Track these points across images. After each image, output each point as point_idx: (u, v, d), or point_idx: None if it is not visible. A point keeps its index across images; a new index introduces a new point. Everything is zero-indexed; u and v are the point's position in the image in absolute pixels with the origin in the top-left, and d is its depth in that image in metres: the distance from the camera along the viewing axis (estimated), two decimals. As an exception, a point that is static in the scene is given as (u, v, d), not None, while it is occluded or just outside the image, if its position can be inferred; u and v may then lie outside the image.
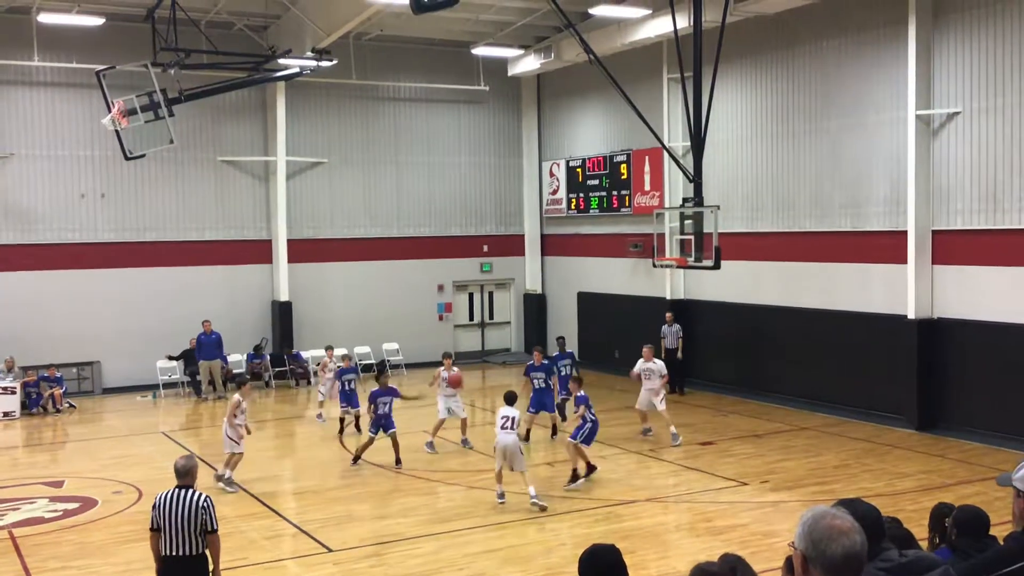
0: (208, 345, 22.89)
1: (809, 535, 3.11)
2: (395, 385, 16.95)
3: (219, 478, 14.46)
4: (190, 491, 7.94)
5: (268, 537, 12.32)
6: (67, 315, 22.99)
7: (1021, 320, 16.07)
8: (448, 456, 16.48)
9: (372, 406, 15.64)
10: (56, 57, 22.56)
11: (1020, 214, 16.19)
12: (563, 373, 18.46)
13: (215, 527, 7.90)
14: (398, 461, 15.57)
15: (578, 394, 14.74)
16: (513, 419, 13.52)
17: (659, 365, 17.52)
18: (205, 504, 7.86)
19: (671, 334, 21.74)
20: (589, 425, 14.40)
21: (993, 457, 15.37)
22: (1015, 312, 16.18)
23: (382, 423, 15.61)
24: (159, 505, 7.93)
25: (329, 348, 20.79)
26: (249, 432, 15.08)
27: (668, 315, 22.06)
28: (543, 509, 12.97)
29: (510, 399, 14.08)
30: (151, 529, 8.04)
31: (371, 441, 15.70)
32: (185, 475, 8.04)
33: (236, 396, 14.84)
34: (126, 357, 23.47)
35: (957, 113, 17.01)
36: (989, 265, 16.69)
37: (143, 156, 20.72)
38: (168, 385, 23.39)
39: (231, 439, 14.46)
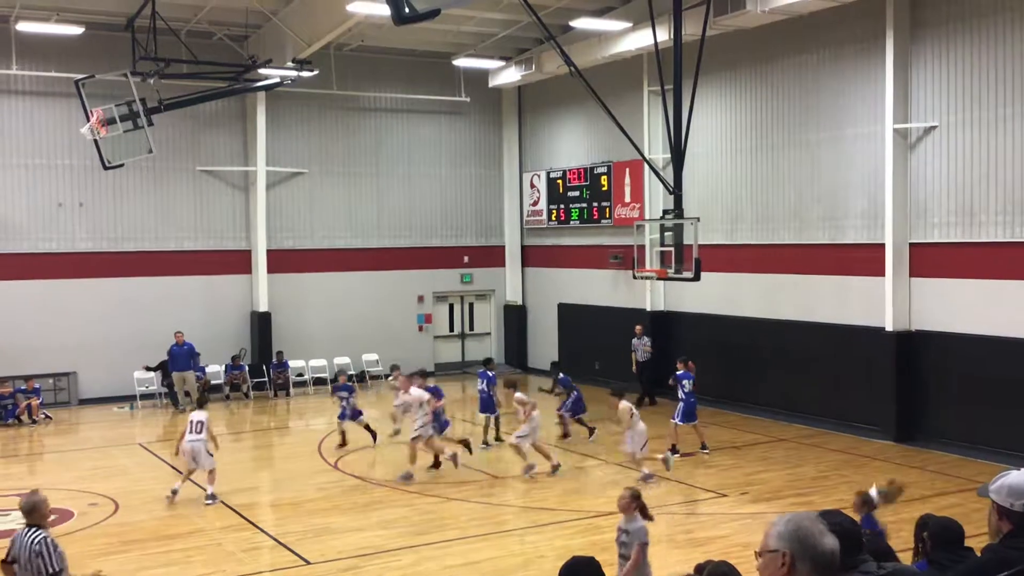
0: (180, 356, 22.70)
1: (795, 534, 3.19)
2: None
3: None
4: (33, 531, 7.26)
5: (246, 550, 12.23)
6: (43, 325, 22.78)
7: (997, 332, 16.20)
8: (425, 469, 16.42)
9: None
10: (35, 66, 22.41)
11: (996, 227, 16.34)
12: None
13: (54, 569, 7.13)
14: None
15: (677, 373, 17.06)
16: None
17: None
18: (38, 547, 7.12)
19: (641, 347, 21.82)
20: (682, 405, 16.67)
21: (970, 468, 15.46)
22: (991, 324, 16.31)
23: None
24: (16, 539, 7.36)
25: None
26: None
27: (637, 327, 22.15)
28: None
29: None
30: (3, 562, 7.39)
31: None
32: (28, 513, 7.39)
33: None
34: (103, 368, 23.27)
35: (934, 127, 17.16)
36: (966, 278, 16.83)
37: (122, 165, 20.60)
38: (145, 396, 23.21)
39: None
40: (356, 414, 17.90)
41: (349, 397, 17.88)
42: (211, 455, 14.45)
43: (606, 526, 12.87)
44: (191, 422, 14.48)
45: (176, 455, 14.85)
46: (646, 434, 15.07)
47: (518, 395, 16.08)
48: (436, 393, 16.21)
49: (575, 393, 18.40)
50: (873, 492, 8.37)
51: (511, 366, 27.48)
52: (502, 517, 13.51)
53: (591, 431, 18.24)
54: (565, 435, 18.33)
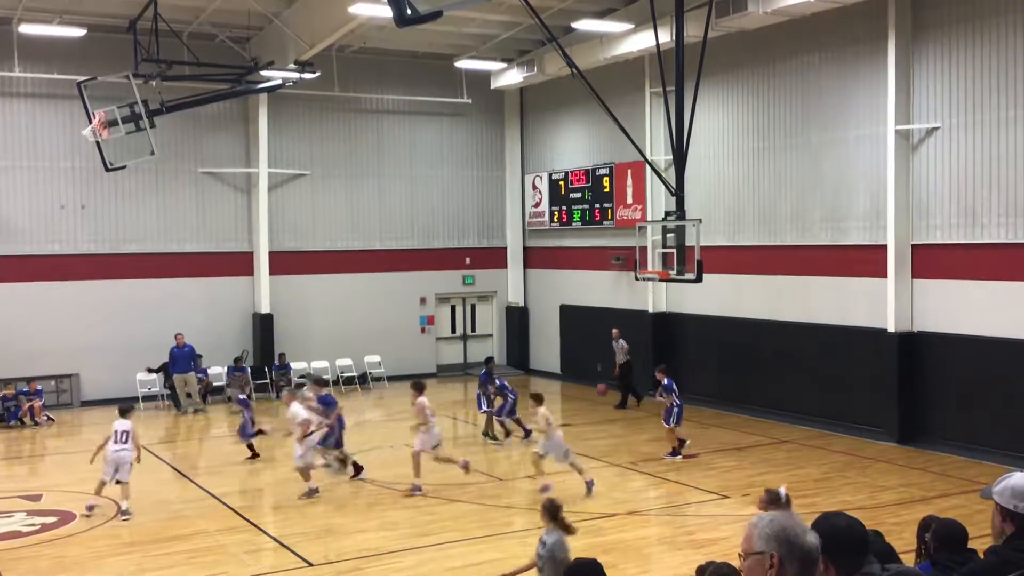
0: (181, 358, 22.73)
1: (780, 535, 3.16)
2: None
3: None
4: None
5: (248, 551, 12.23)
6: (45, 327, 22.79)
7: (1000, 334, 16.19)
8: (428, 471, 16.40)
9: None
10: (37, 68, 22.42)
11: (998, 229, 16.33)
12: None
13: None
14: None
15: (664, 381, 16.88)
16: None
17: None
18: None
19: (619, 350, 21.81)
20: (676, 409, 16.72)
21: (973, 470, 15.45)
22: (994, 326, 16.29)
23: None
24: None
25: None
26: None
27: (615, 331, 22.14)
28: None
29: None
30: None
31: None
32: None
33: None
34: (105, 369, 23.28)
35: (936, 128, 17.15)
36: (968, 279, 16.81)
37: (124, 167, 20.61)
38: (147, 398, 23.22)
39: None
40: (245, 431, 17.42)
41: (245, 411, 17.62)
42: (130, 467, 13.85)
43: (608, 528, 12.88)
44: (116, 431, 13.80)
45: (91, 463, 14.18)
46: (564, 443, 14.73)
47: (421, 399, 14.83)
48: (326, 403, 15.60)
49: (512, 397, 18.41)
50: (782, 491, 8.28)
51: (513, 367, 27.47)
52: (504, 519, 13.49)
53: (527, 432, 18.22)
54: (508, 433, 18.58)
